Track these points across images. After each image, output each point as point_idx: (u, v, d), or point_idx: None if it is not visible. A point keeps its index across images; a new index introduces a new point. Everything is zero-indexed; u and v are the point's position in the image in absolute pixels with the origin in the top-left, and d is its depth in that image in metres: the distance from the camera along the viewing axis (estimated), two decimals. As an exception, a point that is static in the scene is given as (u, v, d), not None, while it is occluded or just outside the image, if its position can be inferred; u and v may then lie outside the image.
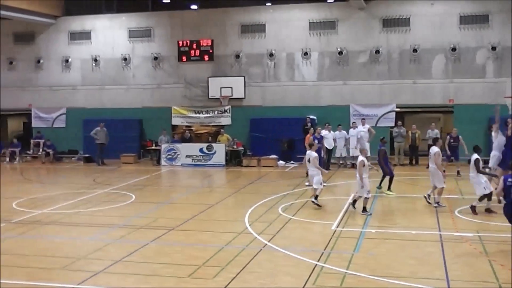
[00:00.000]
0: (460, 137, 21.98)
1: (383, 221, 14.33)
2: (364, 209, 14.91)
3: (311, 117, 26.51)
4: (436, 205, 15.65)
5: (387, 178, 17.93)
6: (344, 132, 25.14)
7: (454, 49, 26.20)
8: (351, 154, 24.68)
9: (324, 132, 23.49)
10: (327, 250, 11.59)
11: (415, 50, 26.63)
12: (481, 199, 14.65)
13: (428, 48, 26.54)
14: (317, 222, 14.22)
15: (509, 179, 11.46)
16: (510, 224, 11.37)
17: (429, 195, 16.13)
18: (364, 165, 15.08)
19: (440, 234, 12.79)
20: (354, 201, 15.52)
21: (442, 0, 26.41)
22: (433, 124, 24.74)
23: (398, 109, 26.83)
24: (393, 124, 26.35)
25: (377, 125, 26.22)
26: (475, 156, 14.90)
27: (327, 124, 24.55)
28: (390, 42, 27.01)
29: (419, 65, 26.73)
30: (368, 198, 15.08)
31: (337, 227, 13.64)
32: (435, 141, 17.26)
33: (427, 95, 26.56)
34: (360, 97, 27.24)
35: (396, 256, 11.20)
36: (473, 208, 14.66)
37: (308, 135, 21.85)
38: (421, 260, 10.88)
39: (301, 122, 26.18)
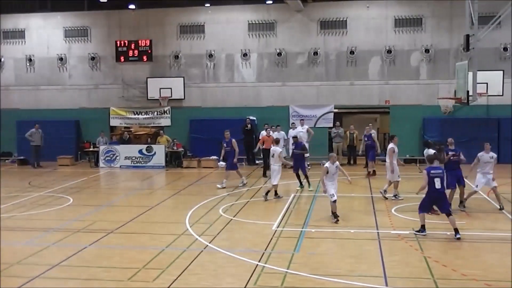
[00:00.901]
0: (373, 135, 23.11)
1: (322, 220, 14.51)
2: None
3: (251, 118, 26.65)
4: (393, 197, 16.73)
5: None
6: (283, 132, 25.33)
7: (389, 51, 26.85)
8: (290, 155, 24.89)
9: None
10: (268, 250, 11.68)
11: (352, 52, 27.13)
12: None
13: (364, 50, 27.08)
14: (258, 222, 14.30)
15: (432, 171, 12.45)
16: (445, 221, 11.83)
17: (385, 190, 16.85)
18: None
19: (378, 232, 13.10)
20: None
21: (378, 2, 27.03)
22: (370, 124, 25.25)
23: (336, 110, 27.28)
24: (331, 125, 26.75)
25: (316, 126, 26.59)
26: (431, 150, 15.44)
27: (266, 125, 24.68)
28: (328, 44, 27.43)
29: (356, 67, 27.26)
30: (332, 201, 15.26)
31: (277, 227, 13.76)
32: (391, 138, 17.93)
33: (364, 96, 27.10)
34: (299, 98, 27.54)
35: (335, 255, 11.41)
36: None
37: (265, 135, 22.44)
38: (359, 258, 11.12)
39: (241, 123, 26.27)
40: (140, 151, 26.44)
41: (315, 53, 27.40)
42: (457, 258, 11.03)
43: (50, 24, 29.73)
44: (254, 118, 26.89)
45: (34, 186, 21.29)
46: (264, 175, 22.29)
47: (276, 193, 17.33)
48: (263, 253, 11.40)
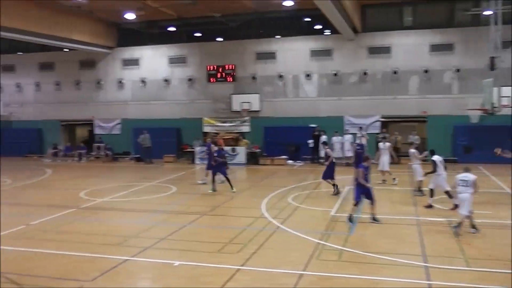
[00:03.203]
0: (364, 144, 21.08)
1: (371, 208, 14.16)
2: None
3: (313, 125, 26.46)
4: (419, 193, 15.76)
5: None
6: (340, 137, 25.04)
7: (426, 71, 25.97)
8: (345, 155, 24.56)
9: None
10: (328, 231, 11.52)
11: (395, 72, 26.43)
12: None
13: (405, 70, 26.32)
14: (319, 209, 14.15)
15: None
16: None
17: (419, 187, 15.98)
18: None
19: (417, 219, 12.66)
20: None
21: (416, 32, 26.24)
22: (414, 131, 24.51)
23: (382, 119, 26.64)
24: (378, 131, 26.15)
25: (366, 132, 26.03)
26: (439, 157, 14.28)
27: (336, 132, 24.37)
28: (375, 65, 26.84)
29: (398, 84, 26.52)
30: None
31: (335, 213, 13.57)
32: (412, 144, 17.22)
33: (405, 108, 26.34)
34: (352, 110, 27.06)
35: (381, 237, 11.11)
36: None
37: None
38: (401, 240, 10.80)
39: (304, 129, 26.22)
40: (226, 152, 26.63)
41: (365, 73, 26.87)
42: (485, 242, 10.50)
43: (158, 54, 30.56)
44: (316, 125, 26.63)
45: (146, 178, 21.87)
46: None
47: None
48: (324, 233, 11.26)
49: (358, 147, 20.12)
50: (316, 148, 25.74)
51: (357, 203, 12.14)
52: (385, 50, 26.74)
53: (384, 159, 18.36)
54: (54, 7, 24.81)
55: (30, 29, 23.76)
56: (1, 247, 10.39)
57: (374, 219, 12.18)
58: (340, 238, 10.80)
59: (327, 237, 10.92)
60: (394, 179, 18.13)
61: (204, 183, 19.06)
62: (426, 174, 14.36)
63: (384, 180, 18.46)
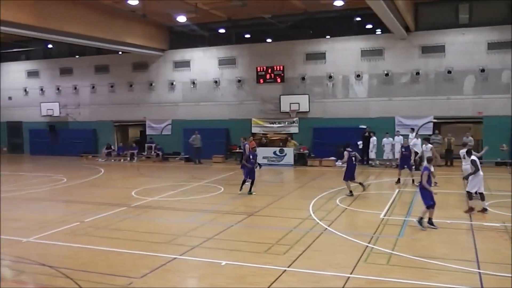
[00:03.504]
0: (410, 146, 20.05)
1: (430, 212, 13.76)
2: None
3: (363, 126, 26.05)
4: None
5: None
6: (391, 138, 24.52)
7: (483, 70, 24.98)
8: (396, 157, 24.01)
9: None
10: (376, 234, 11.29)
11: (449, 72, 25.58)
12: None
13: (460, 70, 25.41)
14: (368, 211, 13.89)
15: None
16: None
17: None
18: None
19: (471, 224, 12.20)
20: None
21: (472, 29, 25.30)
22: (467, 132, 23.63)
23: (435, 120, 25.84)
24: (431, 132, 25.32)
25: (418, 134, 25.34)
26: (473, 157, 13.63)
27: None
28: (428, 65, 26.07)
29: (452, 84, 25.63)
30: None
31: (384, 216, 13.28)
32: (464, 145, 16.62)
33: (459, 108, 25.42)
34: (403, 110, 26.42)
35: (433, 241, 10.78)
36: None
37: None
38: (454, 244, 10.42)
39: (353, 130, 25.80)
40: (274, 152, 26.71)
41: (417, 73, 26.17)
42: (545, 248, 9.99)
43: (208, 56, 30.93)
44: (365, 127, 26.20)
45: (195, 177, 22.14)
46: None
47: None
48: (372, 236, 11.03)
49: (403, 149, 19.62)
50: (365, 150, 25.35)
51: (429, 206, 11.74)
52: (439, 49, 25.90)
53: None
54: (109, 11, 25.66)
55: (88, 33, 24.66)
56: (58, 242, 10.85)
57: (430, 224, 11.78)
58: (389, 242, 10.55)
59: (375, 240, 10.70)
60: (435, 183, 17.37)
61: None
62: (469, 175, 13.62)
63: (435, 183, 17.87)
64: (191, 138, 28.26)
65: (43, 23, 22.12)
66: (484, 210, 13.28)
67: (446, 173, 21.76)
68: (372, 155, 25.47)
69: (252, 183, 17.30)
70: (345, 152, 16.80)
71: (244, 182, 17.36)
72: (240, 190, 17.24)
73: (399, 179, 18.96)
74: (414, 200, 15.39)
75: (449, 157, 24.79)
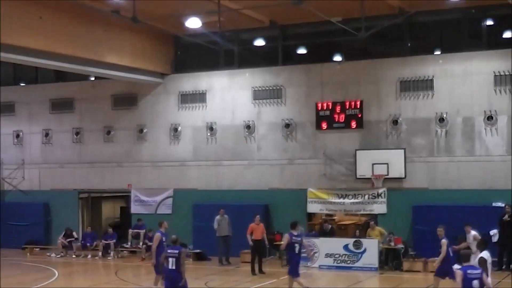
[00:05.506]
0: None
1: None
2: None
3: (500, 204, 25.41)
4: None
5: None
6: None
7: None
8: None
9: None
10: None
11: None
12: None
13: None
14: None
15: None
16: None
17: None
18: None
19: None
20: None
21: None
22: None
23: None
24: None
25: None
26: None
27: None
28: None
29: None
30: None
31: None
32: None
33: None
34: None
35: None
36: None
37: None
38: None
39: (484, 210, 25.40)
40: (346, 247, 26.15)
41: None
42: None
43: (236, 84, 30.92)
44: (505, 204, 25.20)
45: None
46: None
47: None
48: None
49: None
50: (508, 243, 24.46)
51: None
52: None
53: None
54: (78, 12, 26.02)
55: (40, 47, 24.91)
56: None
57: None
58: None
59: None
60: None
61: None
62: None
63: None
64: (214, 221, 27.75)
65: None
66: None
67: None
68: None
69: None
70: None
71: None
72: None
73: None
74: None
75: None
